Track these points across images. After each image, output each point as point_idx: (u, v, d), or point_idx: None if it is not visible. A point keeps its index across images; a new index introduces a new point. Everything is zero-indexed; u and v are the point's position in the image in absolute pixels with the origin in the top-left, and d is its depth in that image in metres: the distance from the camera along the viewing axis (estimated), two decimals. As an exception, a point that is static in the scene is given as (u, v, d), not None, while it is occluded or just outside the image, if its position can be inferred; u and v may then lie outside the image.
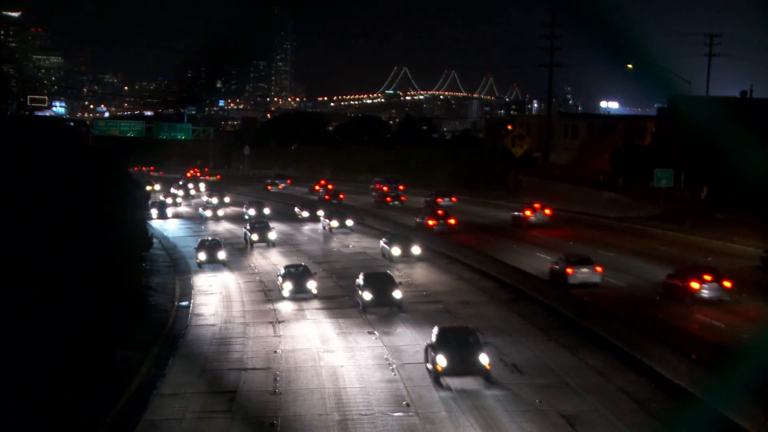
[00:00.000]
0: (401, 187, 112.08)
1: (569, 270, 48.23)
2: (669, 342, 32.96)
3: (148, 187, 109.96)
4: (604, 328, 36.60)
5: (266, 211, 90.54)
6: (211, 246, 61.93)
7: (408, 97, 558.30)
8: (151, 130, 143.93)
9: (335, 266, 59.71)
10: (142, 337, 39.48)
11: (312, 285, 49.15)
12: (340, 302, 47.97)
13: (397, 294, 44.40)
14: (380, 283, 45.04)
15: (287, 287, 48.97)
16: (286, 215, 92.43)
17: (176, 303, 49.47)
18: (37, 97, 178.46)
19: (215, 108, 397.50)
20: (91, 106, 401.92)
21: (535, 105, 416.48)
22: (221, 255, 61.21)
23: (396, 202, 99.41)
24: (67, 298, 35.11)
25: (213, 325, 44.33)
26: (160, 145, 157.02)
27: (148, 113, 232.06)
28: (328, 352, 37.63)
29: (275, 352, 37.89)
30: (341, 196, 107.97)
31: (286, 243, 72.74)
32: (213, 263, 60.88)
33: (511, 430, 27.50)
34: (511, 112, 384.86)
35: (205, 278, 57.74)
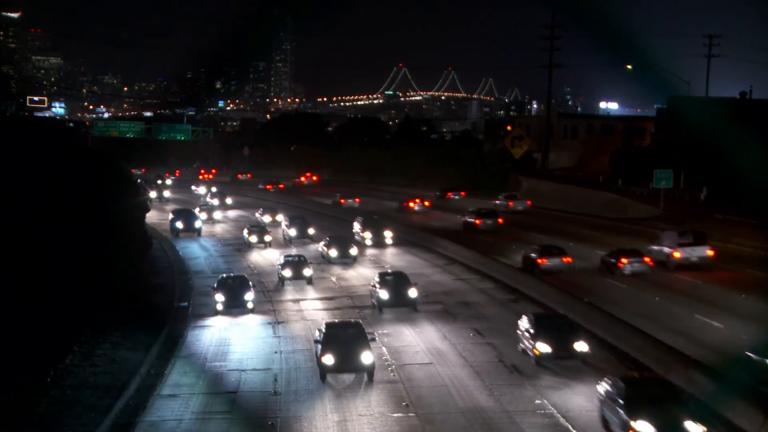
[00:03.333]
0: (214, 170, 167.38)
1: (342, 201, 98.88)
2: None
3: (204, 215, 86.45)
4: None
5: (413, 294, 44.96)
6: None
7: (405, 98, 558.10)
8: (151, 131, 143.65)
9: None
10: (142, 338, 39.44)
11: None
12: None
13: None
14: None
15: None
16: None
17: (176, 303, 49.51)
18: (37, 97, 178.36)
19: (215, 109, 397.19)
20: (91, 107, 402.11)
21: (535, 106, 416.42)
22: None
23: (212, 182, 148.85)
24: (65, 298, 35.07)
25: (212, 325, 44.42)
26: (160, 145, 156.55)
27: (148, 114, 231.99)
28: None
29: None
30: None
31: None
32: None
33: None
34: (511, 112, 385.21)
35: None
